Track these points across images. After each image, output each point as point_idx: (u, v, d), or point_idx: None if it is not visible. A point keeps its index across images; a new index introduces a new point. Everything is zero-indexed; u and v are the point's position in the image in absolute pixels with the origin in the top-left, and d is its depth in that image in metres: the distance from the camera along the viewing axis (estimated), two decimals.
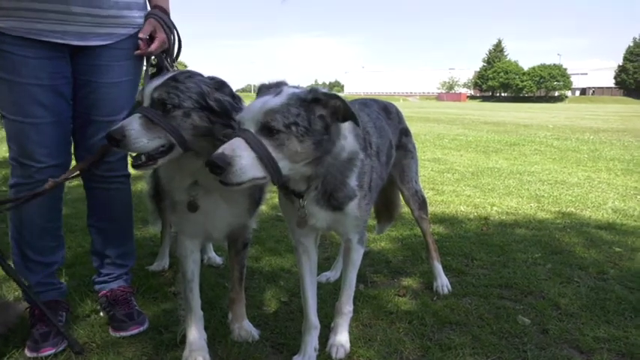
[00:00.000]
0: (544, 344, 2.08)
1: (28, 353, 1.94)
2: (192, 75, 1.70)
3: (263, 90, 1.63)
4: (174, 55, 2.14)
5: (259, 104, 1.51)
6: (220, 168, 1.42)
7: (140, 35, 2.03)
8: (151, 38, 2.06)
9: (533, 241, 3.45)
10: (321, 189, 1.71)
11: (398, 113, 2.55)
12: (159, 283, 2.65)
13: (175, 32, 2.12)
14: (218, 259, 2.82)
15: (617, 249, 3.30)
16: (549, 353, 2.00)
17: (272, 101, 1.50)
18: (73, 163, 2.15)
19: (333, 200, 1.74)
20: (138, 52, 2.06)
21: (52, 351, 1.95)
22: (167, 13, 2.12)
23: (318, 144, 1.54)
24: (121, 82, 2.08)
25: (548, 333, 2.17)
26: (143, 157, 1.66)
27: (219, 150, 1.44)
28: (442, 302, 2.47)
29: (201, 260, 2.43)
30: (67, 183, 2.19)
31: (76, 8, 1.87)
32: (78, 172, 2.03)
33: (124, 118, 2.10)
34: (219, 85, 1.72)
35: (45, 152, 1.96)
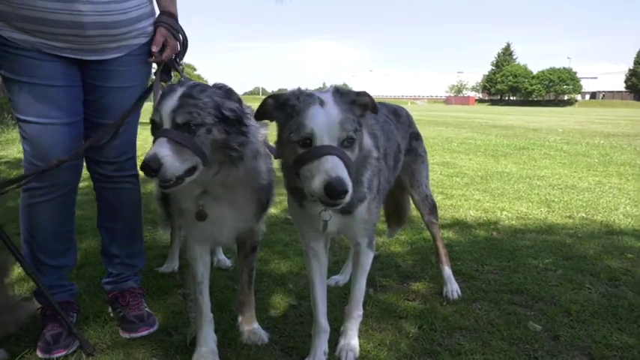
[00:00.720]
0: (555, 351, 2.06)
1: (39, 354, 1.95)
2: (203, 88, 1.68)
3: (304, 97, 1.55)
4: (182, 56, 2.18)
5: (332, 119, 1.48)
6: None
7: (153, 49, 2.06)
8: (163, 46, 2.08)
9: (544, 247, 3.42)
10: None
11: (408, 117, 2.54)
12: (168, 285, 2.66)
13: (182, 35, 2.14)
14: (228, 262, 2.84)
15: (630, 255, 3.27)
16: None
17: (336, 112, 1.49)
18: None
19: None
20: (151, 59, 2.09)
21: (64, 353, 1.96)
22: (175, 18, 2.14)
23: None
24: (131, 87, 2.10)
25: (559, 339, 2.15)
26: (174, 179, 1.61)
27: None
28: (452, 307, 2.45)
29: (211, 262, 2.44)
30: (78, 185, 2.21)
31: (90, 32, 1.90)
32: (84, 150, 2.05)
33: (131, 122, 2.15)
34: (229, 93, 1.71)
35: (57, 154, 1.97)
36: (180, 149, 1.57)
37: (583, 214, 4.48)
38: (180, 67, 2.15)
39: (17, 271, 2.48)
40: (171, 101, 1.61)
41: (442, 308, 2.44)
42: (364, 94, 1.62)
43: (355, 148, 1.54)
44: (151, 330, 2.15)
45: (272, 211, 3.80)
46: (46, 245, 2.11)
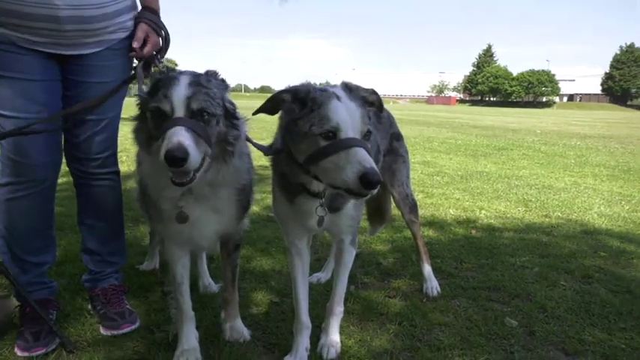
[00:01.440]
0: (531, 346, 2.12)
1: (18, 352, 1.93)
2: (208, 77, 1.63)
3: (319, 91, 1.56)
4: (163, 53, 2.14)
5: (354, 113, 1.50)
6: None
7: (134, 44, 2.03)
8: (144, 42, 2.06)
9: (521, 245, 3.50)
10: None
11: (389, 117, 2.57)
12: (150, 283, 2.65)
13: (165, 32, 2.12)
14: (214, 287, 2.65)
15: (603, 253, 3.37)
16: (536, 355, 2.04)
17: (355, 106, 1.52)
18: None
19: (335, 201, 1.75)
20: (132, 54, 2.07)
21: (43, 351, 1.94)
22: (157, 14, 2.12)
23: None
24: (112, 82, 2.07)
25: (534, 335, 2.21)
26: (191, 174, 1.52)
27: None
28: (432, 304, 2.50)
29: (194, 261, 2.43)
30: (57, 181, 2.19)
31: (67, 26, 1.88)
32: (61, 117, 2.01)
33: (112, 117, 2.12)
34: (226, 85, 1.69)
35: (38, 150, 1.96)
36: (197, 139, 1.48)
37: (559, 214, 4.59)
38: (161, 63, 2.11)
39: None
40: (183, 88, 1.51)
41: (422, 305, 2.48)
42: (372, 91, 1.66)
43: (371, 142, 1.56)
44: (133, 327, 2.15)
45: (254, 208, 3.80)
46: (25, 242, 2.08)
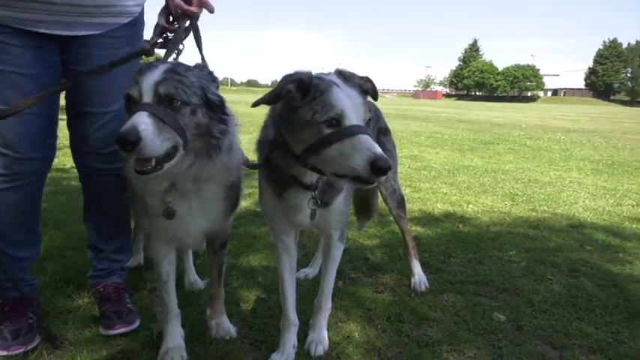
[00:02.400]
0: (519, 340, 2.12)
1: None
2: (188, 67, 1.59)
3: (314, 79, 1.52)
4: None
5: (356, 100, 1.49)
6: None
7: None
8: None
9: (508, 239, 3.52)
10: (327, 180, 1.69)
11: (376, 112, 2.54)
12: (134, 280, 2.59)
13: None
14: (200, 284, 2.62)
15: (589, 247, 3.39)
16: (524, 349, 2.04)
17: (355, 93, 1.51)
18: (72, 159, 2.07)
19: (325, 195, 1.73)
20: (186, 8, 1.88)
21: (22, 349, 1.89)
22: None
23: None
24: (113, 72, 1.96)
25: (522, 329, 2.21)
26: (153, 162, 1.46)
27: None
28: (420, 299, 2.49)
29: (179, 260, 2.39)
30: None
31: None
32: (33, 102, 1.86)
33: (117, 110, 2.00)
34: (213, 77, 1.64)
35: (25, 143, 1.90)
36: (162, 126, 1.42)
37: (545, 208, 4.62)
38: (182, 46, 1.94)
39: None
40: (154, 75, 1.48)
41: (410, 300, 2.47)
42: (367, 79, 1.63)
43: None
44: (130, 327, 2.08)
45: (242, 203, 3.76)
46: (8, 235, 2.02)
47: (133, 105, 1.49)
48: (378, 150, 1.39)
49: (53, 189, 4.34)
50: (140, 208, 1.83)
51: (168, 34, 1.97)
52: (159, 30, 1.96)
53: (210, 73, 1.66)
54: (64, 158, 5.10)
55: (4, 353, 1.87)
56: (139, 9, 2.03)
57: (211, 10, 1.98)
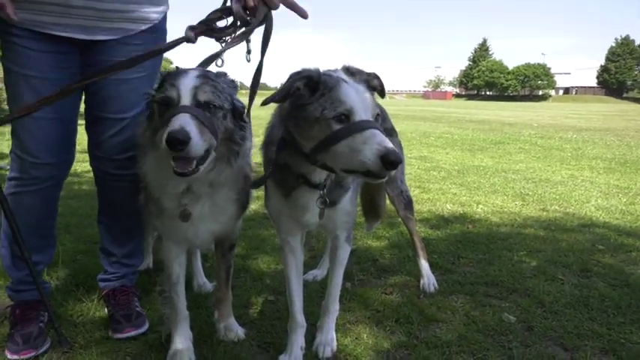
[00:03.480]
0: (529, 341, 2.09)
1: (8, 355, 1.90)
2: (216, 74, 1.63)
3: (322, 76, 1.52)
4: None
5: (365, 95, 1.50)
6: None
7: None
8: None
9: (518, 239, 3.48)
10: (335, 179, 1.69)
11: (382, 112, 2.52)
12: (144, 282, 2.61)
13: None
14: (209, 286, 2.63)
15: (600, 247, 3.35)
16: (534, 350, 2.02)
17: (363, 89, 1.52)
18: (82, 164, 2.10)
19: (332, 194, 1.72)
20: None
21: (34, 353, 1.90)
22: None
23: None
24: (132, 78, 1.98)
25: (533, 330, 2.19)
26: (194, 164, 1.48)
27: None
28: (428, 300, 2.47)
29: (189, 261, 2.39)
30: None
31: (75, 1, 1.79)
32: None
33: (133, 117, 2.02)
34: (235, 84, 1.69)
35: (42, 148, 1.92)
36: (202, 129, 1.46)
37: (556, 207, 4.57)
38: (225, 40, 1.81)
39: None
40: (190, 79, 1.52)
41: (419, 301, 2.46)
42: (375, 75, 1.63)
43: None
44: (139, 331, 2.09)
45: (251, 206, 3.77)
46: (25, 238, 2.03)
47: (169, 107, 1.51)
48: (389, 144, 1.38)
49: (64, 193, 4.35)
50: (154, 210, 1.85)
51: (216, 24, 1.81)
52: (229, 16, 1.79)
53: (233, 80, 1.69)
54: (75, 163, 5.14)
55: (16, 357, 1.89)
56: (160, 17, 2.03)
57: (304, 15, 1.84)
